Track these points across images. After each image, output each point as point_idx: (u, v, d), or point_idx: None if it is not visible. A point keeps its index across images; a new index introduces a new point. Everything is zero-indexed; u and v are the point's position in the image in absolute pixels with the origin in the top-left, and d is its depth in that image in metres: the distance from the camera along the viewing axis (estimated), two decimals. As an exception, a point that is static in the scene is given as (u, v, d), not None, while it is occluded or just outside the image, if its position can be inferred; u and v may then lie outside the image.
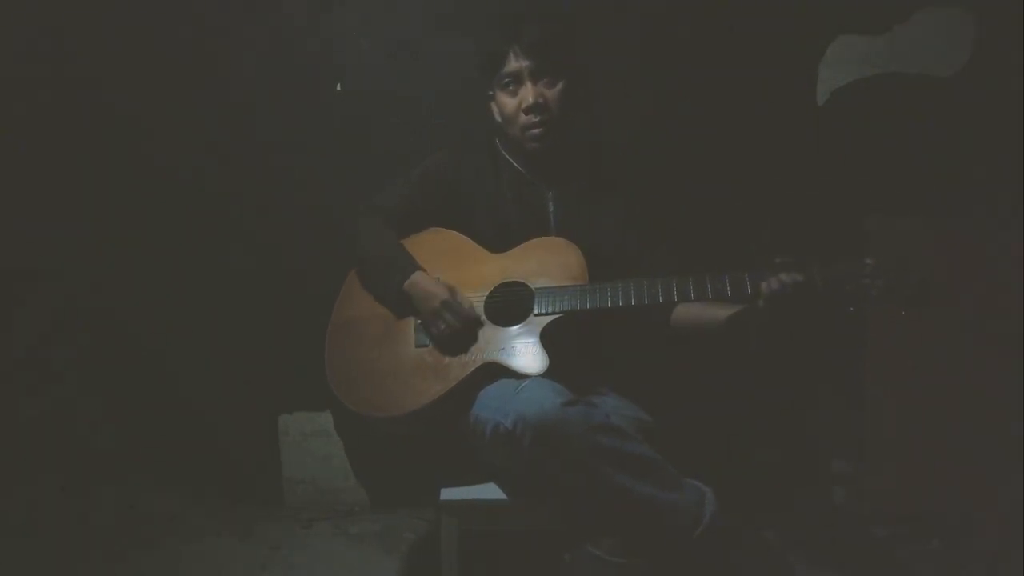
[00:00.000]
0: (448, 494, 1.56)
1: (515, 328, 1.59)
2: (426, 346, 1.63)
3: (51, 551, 2.03)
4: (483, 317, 1.63)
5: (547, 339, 1.55)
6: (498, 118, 1.73)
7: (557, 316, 1.57)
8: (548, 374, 1.50)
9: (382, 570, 1.99)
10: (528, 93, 1.64)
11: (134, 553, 2.04)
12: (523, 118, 1.65)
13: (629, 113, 2.11)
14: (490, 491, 1.56)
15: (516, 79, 1.65)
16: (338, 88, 2.16)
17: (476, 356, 1.58)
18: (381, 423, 1.62)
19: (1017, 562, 1.84)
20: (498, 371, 1.55)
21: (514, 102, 1.66)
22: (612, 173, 1.77)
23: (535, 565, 1.74)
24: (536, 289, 1.61)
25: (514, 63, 1.64)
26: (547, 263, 1.64)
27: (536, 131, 1.65)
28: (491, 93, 1.72)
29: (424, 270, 1.66)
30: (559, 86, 1.64)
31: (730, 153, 2.08)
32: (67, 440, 2.27)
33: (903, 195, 2.06)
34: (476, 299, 1.64)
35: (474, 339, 1.60)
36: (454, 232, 1.76)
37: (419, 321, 1.66)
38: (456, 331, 1.58)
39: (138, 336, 2.28)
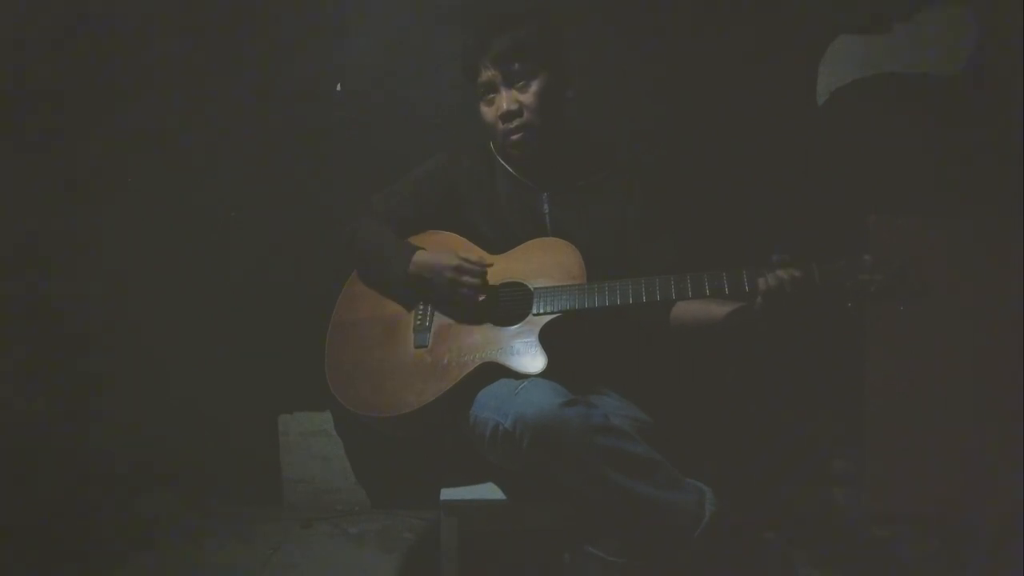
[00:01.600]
0: (448, 494, 1.56)
1: (514, 328, 1.59)
2: (425, 346, 1.63)
3: (51, 551, 2.03)
4: (480, 317, 1.63)
5: (546, 338, 1.55)
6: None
7: (555, 315, 1.57)
8: (547, 374, 1.50)
9: (382, 570, 1.99)
10: (502, 100, 1.64)
11: (134, 553, 2.04)
12: (501, 125, 1.66)
13: (627, 112, 2.11)
14: (490, 491, 1.56)
15: (491, 88, 1.66)
16: (338, 88, 2.16)
17: (475, 356, 1.58)
18: (381, 424, 1.62)
19: (1017, 562, 1.84)
20: (497, 371, 1.55)
21: (492, 111, 1.67)
22: (608, 172, 1.77)
23: (535, 565, 1.74)
24: (535, 289, 1.61)
25: (485, 73, 1.65)
26: (545, 263, 1.64)
27: (515, 137, 1.66)
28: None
29: (424, 249, 1.67)
30: (533, 87, 1.64)
31: (729, 152, 2.08)
32: (67, 440, 2.27)
33: (903, 195, 2.06)
34: (476, 299, 1.65)
35: (473, 339, 1.60)
36: (453, 234, 1.76)
37: (418, 322, 1.67)
38: (479, 288, 1.59)
39: (139, 336, 2.28)
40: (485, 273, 1.62)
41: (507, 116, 1.64)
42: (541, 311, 1.58)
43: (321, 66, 2.15)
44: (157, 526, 2.17)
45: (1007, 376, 1.96)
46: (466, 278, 1.60)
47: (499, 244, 1.71)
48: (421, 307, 1.69)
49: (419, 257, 1.66)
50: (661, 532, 1.40)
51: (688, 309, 1.64)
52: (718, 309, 1.57)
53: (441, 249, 1.70)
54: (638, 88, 2.10)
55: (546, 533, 1.54)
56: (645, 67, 2.09)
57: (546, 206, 1.73)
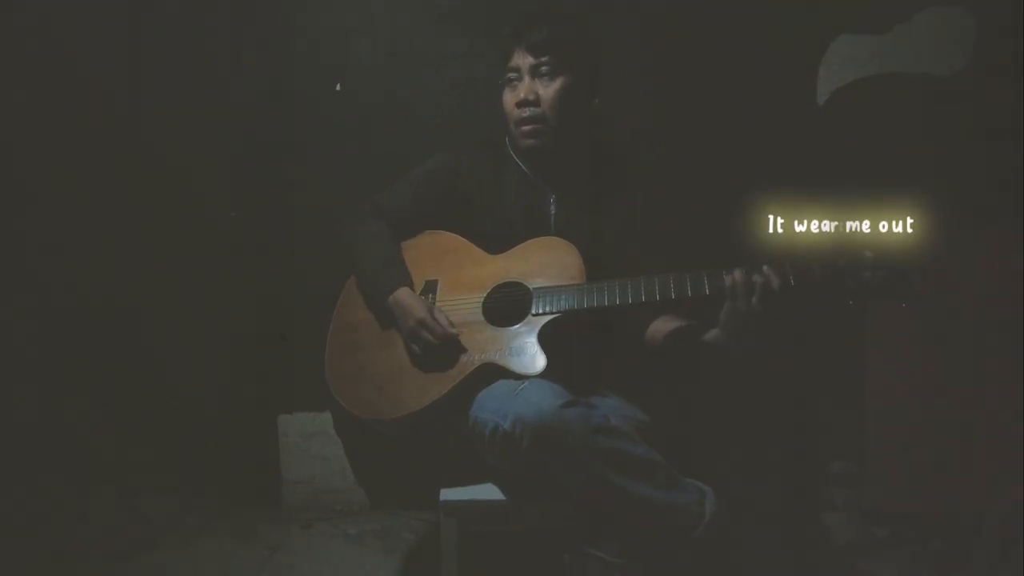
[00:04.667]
0: (448, 494, 1.56)
1: (513, 328, 1.59)
2: (425, 347, 1.63)
3: (51, 551, 2.03)
4: (481, 318, 1.62)
5: (545, 339, 1.55)
6: None
7: (555, 316, 1.57)
8: (547, 374, 1.50)
9: (382, 570, 1.99)
10: (522, 89, 1.65)
11: (134, 553, 2.04)
12: (516, 112, 1.66)
13: (627, 112, 2.10)
14: (490, 491, 1.56)
15: (517, 74, 1.67)
16: (338, 88, 2.16)
17: (474, 357, 1.57)
18: (380, 425, 1.62)
19: (1017, 562, 1.84)
20: (497, 372, 1.55)
21: (512, 97, 1.67)
22: (616, 178, 1.77)
23: (535, 565, 1.74)
24: (534, 289, 1.61)
25: (516, 59, 1.66)
26: (545, 263, 1.64)
27: (527, 127, 1.66)
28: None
29: (411, 285, 1.66)
30: (557, 83, 1.64)
31: (729, 152, 2.08)
32: (67, 440, 2.27)
33: (903, 195, 2.05)
34: (474, 300, 1.64)
35: (472, 340, 1.60)
36: (452, 234, 1.76)
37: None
38: (434, 348, 1.58)
39: (138, 336, 2.27)
40: (447, 336, 1.57)
41: (523, 102, 1.65)
42: (540, 311, 1.58)
43: (321, 66, 2.15)
44: (157, 526, 2.17)
45: (1007, 376, 1.96)
46: (424, 334, 1.58)
47: (501, 243, 1.71)
48: (420, 308, 1.69)
49: (399, 295, 1.64)
50: (661, 532, 1.40)
51: (663, 329, 1.64)
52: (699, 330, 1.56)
53: (441, 253, 1.71)
54: (638, 88, 2.09)
55: (546, 534, 1.54)
56: (645, 67, 2.08)
57: (552, 208, 1.73)
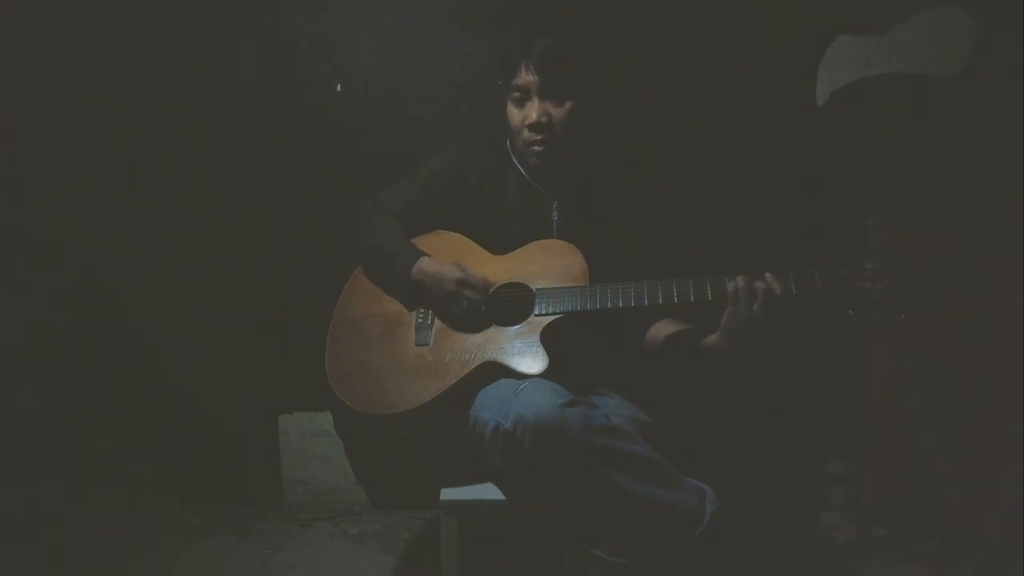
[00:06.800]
0: (448, 494, 1.56)
1: (515, 328, 1.59)
2: (426, 345, 1.63)
3: (51, 551, 2.03)
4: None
5: (547, 339, 1.55)
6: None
7: (557, 316, 1.57)
8: (548, 374, 1.50)
9: (382, 570, 1.99)
10: (533, 110, 1.61)
11: (134, 553, 2.05)
12: (526, 133, 1.64)
13: (625, 115, 2.10)
14: (490, 491, 1.56)
15: (524, 93, 1.63)
16: (338, 88, 2.16)
17: (476, 355, 1.58)
18: (380, 421, 1.62)
19: (1017, 562, 1.85)
20: (498, 371, 1.55)
21: (520, 115, 1.64)
22: (618, 183, 1.76)
23: (535, 566, 1.74)
24: (536, 290, 1.61)
25: (524, 76, 1.61)
26: (548, 265, 1.64)
27: (537, 148, 1.64)
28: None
29: (429, 255, 1.67)
30: (567, 105, 1.61)
31: (729, 155, 2.08)
32: (67, 440, 2.27)
33: (903, 195, 2.06)
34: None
35: (474, 339, 1.60)
36: (457, 234, 1.76)
37: (420, 320, 1.67)
38: (478, 304, 1.59)
39: (138, 336, 2.28)
40: (487, 288, 1.61)
41: (535, 127, 1.61)
42: (543, 312, 1.58)
43: (321, 66, 2.15)
44: (157, 526, 2.17)
45: (1007, 376, 1.96)
46: (467, 292, 1.59)
47: (503, 245, 1.71)
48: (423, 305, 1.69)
49: (423, 264, 1.65)
50: (661, 532, 1.40)
51: (663, 332, 1.64)
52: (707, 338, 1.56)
53: (446, 253, 1.70)
54: (637, 89, 2.09)
55: (546, 533, 1.54)
56: (643, 69, 2.08)
57: (555, 214, 1.72)
